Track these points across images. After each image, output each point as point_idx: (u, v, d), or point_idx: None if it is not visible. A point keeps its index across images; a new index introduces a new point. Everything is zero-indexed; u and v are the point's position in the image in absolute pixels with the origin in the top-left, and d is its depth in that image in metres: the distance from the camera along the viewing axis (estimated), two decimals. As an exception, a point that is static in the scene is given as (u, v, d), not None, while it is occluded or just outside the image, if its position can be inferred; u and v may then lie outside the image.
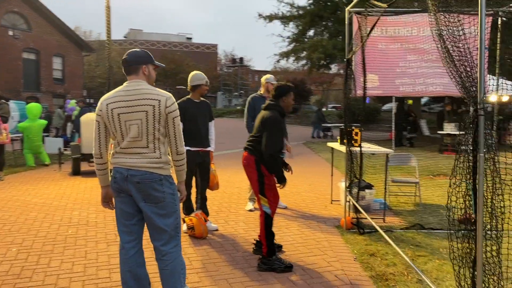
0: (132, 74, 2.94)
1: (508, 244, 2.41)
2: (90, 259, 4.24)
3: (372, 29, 4.17)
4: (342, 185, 6.50)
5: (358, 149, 5.30)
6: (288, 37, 20.29)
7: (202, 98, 5.17)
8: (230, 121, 33.73)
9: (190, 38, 65.38)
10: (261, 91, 6.26)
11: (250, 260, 4.23)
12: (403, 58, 5.03)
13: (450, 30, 2.42)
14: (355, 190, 5.49)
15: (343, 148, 6.08)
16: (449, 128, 14.39)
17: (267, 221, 4.12)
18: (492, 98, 17.12)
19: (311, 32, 20.33)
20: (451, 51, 2.34)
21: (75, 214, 5.92)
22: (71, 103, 16.78)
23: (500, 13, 4.94)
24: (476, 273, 2.19)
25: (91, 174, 9.49)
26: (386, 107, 29.01)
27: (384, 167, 7.35)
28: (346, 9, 4.93)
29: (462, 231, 2.29)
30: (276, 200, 4.20)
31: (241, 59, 41.95)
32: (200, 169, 5.15)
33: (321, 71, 22.10)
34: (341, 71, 39.62)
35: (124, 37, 61.74)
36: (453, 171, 2.18)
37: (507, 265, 2.41)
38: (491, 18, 4.86)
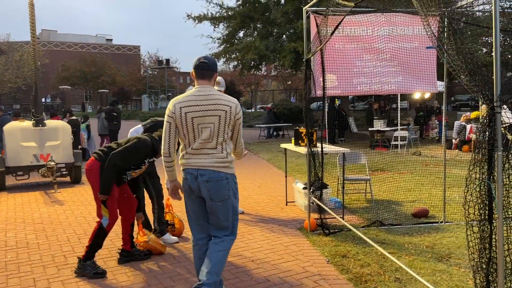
0: (205, 79, 3.11)
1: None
2: (41, 287, 3.73)
3: (336, 28, 4.12)
4: (298, 186, 6.45)
5: (318, 149, 5.25)
6: (219, 39, 20.06)
7: None
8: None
9: (111, 40, 62.72)
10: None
11: (226, 273, 3.98)
12: (359, 57, 5.09)
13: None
14: (316, 190, 5.44)
15: (300, 149, 6.02)
16: (379, 125, 15.08)
17: (99, 232, 3.98)
18: (416, 95, 18.21)
19: (241, 34, 20.28)
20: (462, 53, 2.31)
21: (11, 236, 5.25)
22: (-16, 111, 15.18)
23: (446, 14, 5.15)
24: (496, 271, 2.17)
25: (19, 188, 8.55)
26: (312, 106, 29.73)
27: (334, 166, 7.45)
28: (304, 8, 4.86)
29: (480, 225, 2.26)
30: (115, 216, 4.03)
31: (168, 60, 40.84)
32: (149, 177, 4.91)
33: (252, 72, 22.13)
34: (265, 72, 40.16)
35: (37, 38, 57.62)
36: (469, 169, 2.14)
37: None
38: (437, 18, 5.04)
